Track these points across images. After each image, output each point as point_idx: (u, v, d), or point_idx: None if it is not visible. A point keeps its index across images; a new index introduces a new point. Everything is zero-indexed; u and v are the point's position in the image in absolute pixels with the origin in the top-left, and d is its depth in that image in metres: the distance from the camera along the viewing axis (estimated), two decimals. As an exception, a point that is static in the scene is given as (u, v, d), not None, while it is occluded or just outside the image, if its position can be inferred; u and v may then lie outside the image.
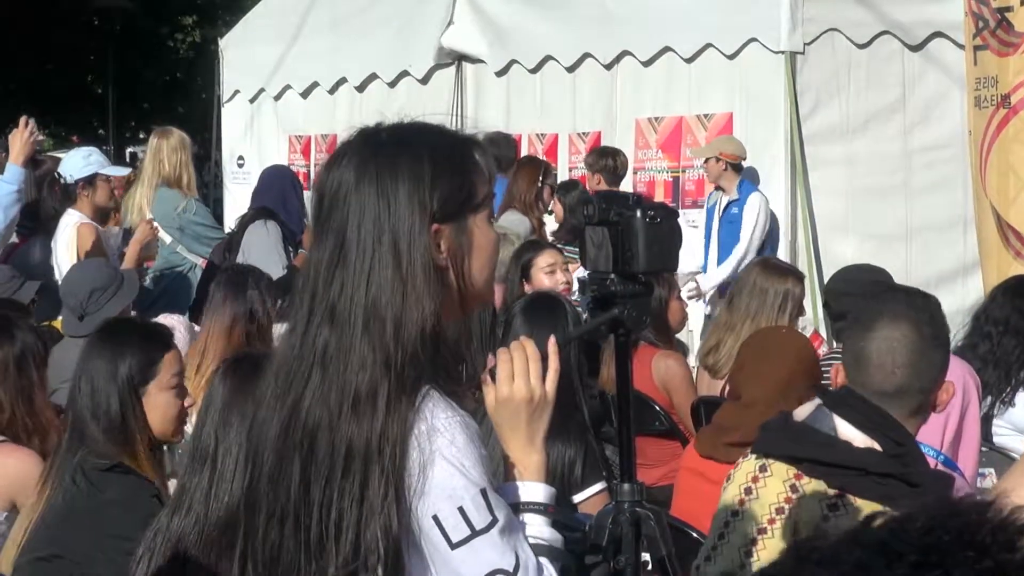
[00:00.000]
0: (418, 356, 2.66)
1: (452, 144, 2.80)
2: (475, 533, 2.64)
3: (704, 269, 10.74)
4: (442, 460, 2.62)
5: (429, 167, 2.71)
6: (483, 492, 2.65)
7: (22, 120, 8.63)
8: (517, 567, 2.66)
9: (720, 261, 10.60)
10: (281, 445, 2.68)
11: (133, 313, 7.24)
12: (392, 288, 2.65)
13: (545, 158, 12.01)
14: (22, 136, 8.56)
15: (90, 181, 9.14)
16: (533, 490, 2.83)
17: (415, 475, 2.62)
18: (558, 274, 7.47)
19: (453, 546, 2.63)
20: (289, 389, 2.69)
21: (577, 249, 9.52)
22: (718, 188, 10.70)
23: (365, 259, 2.65)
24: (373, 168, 2.69)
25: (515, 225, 9.76)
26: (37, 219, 9.18)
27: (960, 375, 4.76)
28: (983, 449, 6.28)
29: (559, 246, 8.61)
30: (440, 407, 2.66)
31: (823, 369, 5.98)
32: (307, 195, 9.49)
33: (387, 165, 2.69)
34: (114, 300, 6.84)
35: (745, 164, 10.64)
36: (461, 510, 2.63)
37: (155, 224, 9.32)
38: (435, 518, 2.63)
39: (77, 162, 9.25)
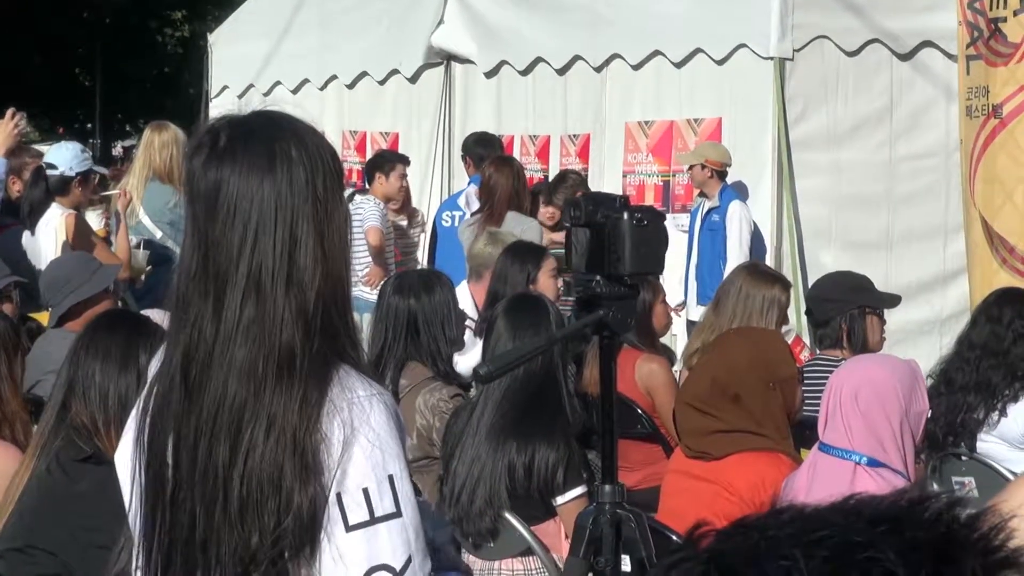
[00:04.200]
0: (332, 321, 2.63)
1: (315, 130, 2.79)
2: (373, 520, 2.56)
3: (686, 274, 10.73)
4: (359, 435, 2.56)
5: (325, 146, 2.74)
6: (391, 479, 2.57)
7: (9, 112, 8.58)
8: (405, 568, 2.57)
9: (700, 265, 10.59)
10: (210, 431, 2.61)
11: (120, 305, 7.23)
12: (314, 257, 2.61)
13: (537, 159, 12.06)
14: (6, 127, 8.51)
15: (85, 176, 9.15)
16: None
17: (333, 446, 2.55)
18: (560, 278, 7.62)
19: (348, 528, 2.55)
20: (208, 373, 2.62)
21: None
22: (701, 194, 10.70)
23: (284, 232, 2.61)
24: (266, 153, 2.65)
25: (534, 230, 9.84)
26: (14, 212, 9.11)
27: (892, 383, 4.75)
28: (963, 458, 6.32)
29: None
30: (358, 381, 2.61)
31: (806, 375, 5.99)
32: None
33: (285, 149, 2.66)
34: (76, 294, 6.83)
35: (732, 170, 10.64)
36: (365, 492, 2.55)
37: (130, 194, 9.30)
38: (339, 496, 2.55)
39: (75, 155, 9.23)
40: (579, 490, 5.21)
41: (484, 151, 11.49)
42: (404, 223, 11.90)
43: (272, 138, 2.67)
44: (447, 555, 4.31)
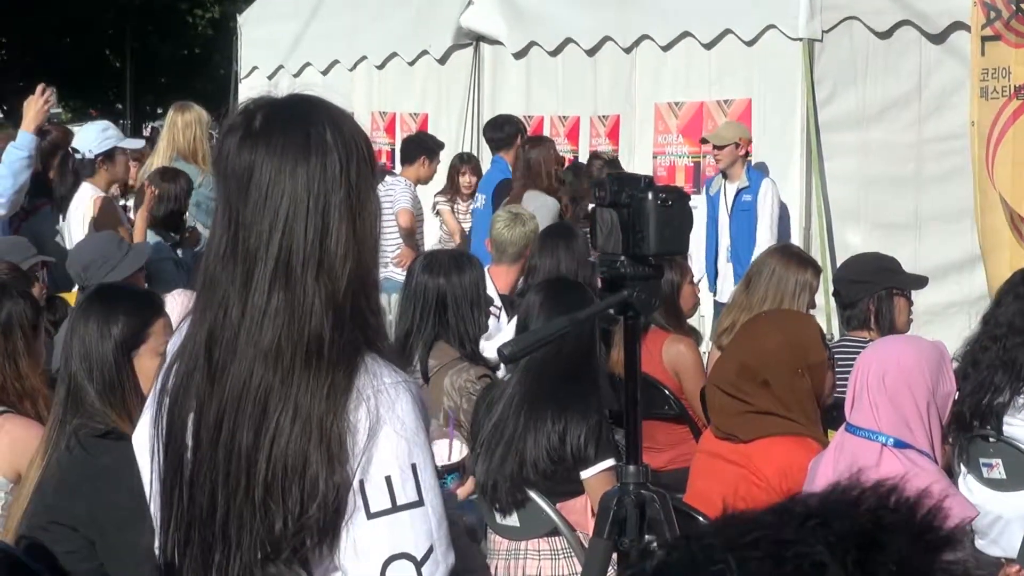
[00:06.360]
0: (361, 309, 2.62)
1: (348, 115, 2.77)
2: (395, 508, 2.55)
3: (709, 260, 10.66)
4: (385, 424, 2.56)
5: (360, 133, 2.73)
6: (414, 468, 2.57)
7: (39, 88, 8.57)
8: (426, 558, 2.56)
9: (734, 246, 10.54)
10: (234, 413, 2.61)
11: (146, 286, 7.25)
12: (345, 245, 2.60)
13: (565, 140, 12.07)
14: (36, 103, 8.52)
15: (109, 155, 9.19)
16: None
17: (359, 434, 2.55)
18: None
19: (370, 516, 2.55)
20: (233, 356, 2.62)
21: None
22: (722, 175, 10.63)
23: (316, 219, 2.60)
24: (302, 138, 2.64)
25: (548, 207, 9.81)
26: (47, 192, 9.15)
27: (919, 364, 4.75)
28: (991, 439, 6.31)
29: None
30: (385, 368, 2.61)
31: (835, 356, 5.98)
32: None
33: (321, 134, 2.65)
34: (114, 272, 6.85)
35: (762, 151, 10.63)
36: (388, 480, 2.55)
37: (154, 189, 9.31)
38: (361, 483, 2.55)
39: (96, 136, 9.28)
40: (610, 462, 5.21)
41: (494, 134, 11.56)
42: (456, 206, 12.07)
43: (308, 123, 2.66)
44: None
